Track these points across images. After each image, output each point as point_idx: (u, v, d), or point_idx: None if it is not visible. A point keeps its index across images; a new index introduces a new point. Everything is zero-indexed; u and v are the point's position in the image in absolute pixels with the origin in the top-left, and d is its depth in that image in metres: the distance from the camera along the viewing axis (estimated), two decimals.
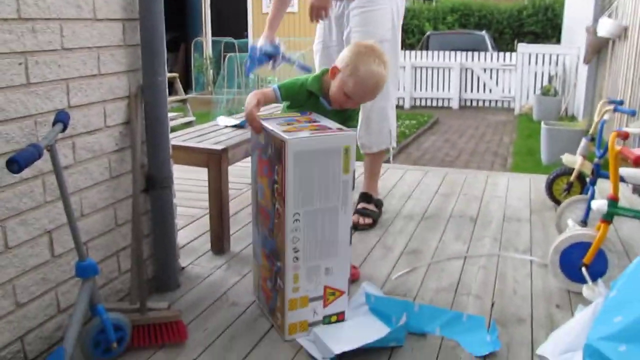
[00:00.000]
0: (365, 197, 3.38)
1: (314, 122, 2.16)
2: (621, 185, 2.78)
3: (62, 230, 2.01)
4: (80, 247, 1.83)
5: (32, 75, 1.84)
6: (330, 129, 2.06)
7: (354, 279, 2.54)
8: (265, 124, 2.12)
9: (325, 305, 2.15)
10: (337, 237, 2.09)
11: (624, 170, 2.51)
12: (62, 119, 1.74)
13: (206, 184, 2.85)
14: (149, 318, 2.11)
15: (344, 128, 2.09)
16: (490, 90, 12.86)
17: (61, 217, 1.99)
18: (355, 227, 3.19)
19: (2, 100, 1.75)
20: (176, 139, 2.99)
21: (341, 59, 2.25)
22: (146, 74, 2.31)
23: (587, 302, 2.20)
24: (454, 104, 12.95)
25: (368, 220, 3.28)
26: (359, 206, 3.34)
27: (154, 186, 2.40)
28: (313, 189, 2.00)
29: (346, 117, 2.36)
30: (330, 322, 2.17)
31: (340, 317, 2.19)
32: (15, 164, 1.45)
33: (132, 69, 2.29)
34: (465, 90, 13.01)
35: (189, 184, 3.92)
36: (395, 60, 3.29)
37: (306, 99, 2.33)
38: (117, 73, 2.21)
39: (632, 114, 3.33)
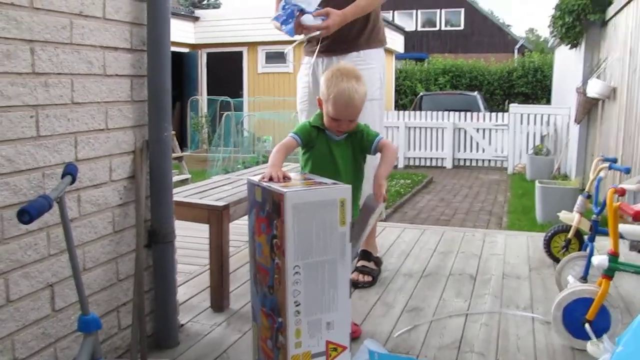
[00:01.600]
0: (365, 254, 3.38)
1: (309, 179, 2.22)
2: (619, 242, 2.80)
3: (64, 284, 2.00)
4: (84, 300, 1.81)
5: (42, 128, 1.87)
6: (325, 183, 2.11)
7: (354, 337, 2.52)
8: (261, 182, 2.15)
9: None
10: (337, 290, 2.08)
11: (623, 227, 2.53)
12: (71, 171, 1.76)
13: (204, 240, 2.86)
14: None
15: (339, 182, 2.14)
16: (484, 150, 13.01)
17: (64, 270, 1.98)
18: (355, 285, 3.17)
19: (12, 152, 1.77)
20: (177, 194, 3.00)
21: (320, 91, 2.38)
22: (152, 130, 2.34)
23: (591, 359, 2.18)
24: (448, 164, 13.07)
25: (368, 278, 3.26)
26: (359, 264, 3.33)
27: (157, 241, 2.40)
28: (312, 241, 2.01)
29: (358, 140, 2.43)
30: None
31: None
32: (27, 214, 1.45)
33: (139, 124, 2.32)
34: (459, 150, 13.16)
35: (186, 241, 3.90)
36: (382, 119, 3.38)
37: (316, 135, 2.41)
38: (124, 128, 2.24)
39: (627, 171, 3.38)
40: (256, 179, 2.21)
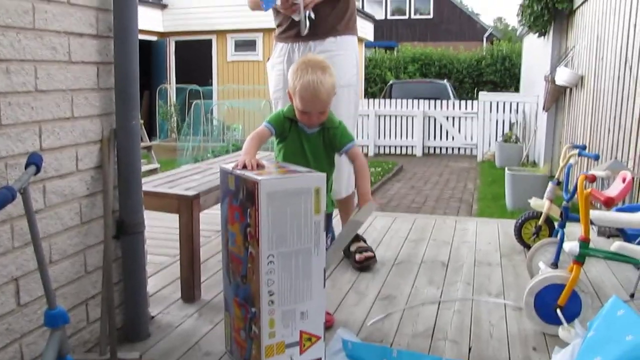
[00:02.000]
0: (355, 237, 3.37)
1: (282, 167, 2.20)
2: None
3: (29, 277, 1.94)
4: (51, 294, 1.75)
5: (5, 116, 1.81)
6: (299, 172, 2.09)
7: (328, 326, 2.50)
8: (234, 170, 2.12)
9: (302, 352, 2.10)
10: (311, 279, 2.07)
11: (592, 213, 2.55)
12: (35, 161, 1.70)
13: (174, 230, 2.81)
14: None
15: (313, 170, 2.12)
16: (453, 138, 13.10)
17: (29, 263, 1.93)
18: (361, 265, 3.26)
19: None
20: (147, 184, 2.95)
21: (288, 84, 2.36)
22: (119, 118, 2.28)
23: (563, 344, 2.20)
24: (418, 152, 13.14)
25: (369, 254, 3.31)
26: (353, 248, 3.35)
27: (126, 232, 2.35)
28: (286, 229, 1.99)
29: (330, 137, 2.40)
30: None
31: None
32: None
33: (106, 112, 2.26)
34: (429, 138, 13.23)
35: (155, 231, 3.84)
36: (357, 106, 3.36)
37: (289, 127, 2.39)
38: (90, 116, 2.18)
39: (596, 158, 3.41)
40: (229, 167, 2.18)
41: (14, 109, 1.84)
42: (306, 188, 2.00)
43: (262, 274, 1.97)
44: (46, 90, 1.96)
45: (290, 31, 3.19)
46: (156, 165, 9.68)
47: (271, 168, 2.16)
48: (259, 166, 2.14)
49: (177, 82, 14.73)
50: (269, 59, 3.43)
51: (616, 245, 2.40)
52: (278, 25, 3.31)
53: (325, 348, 2.22)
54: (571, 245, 2.44)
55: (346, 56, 3.19)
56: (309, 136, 2.40)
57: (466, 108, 12.95)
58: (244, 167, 2.10)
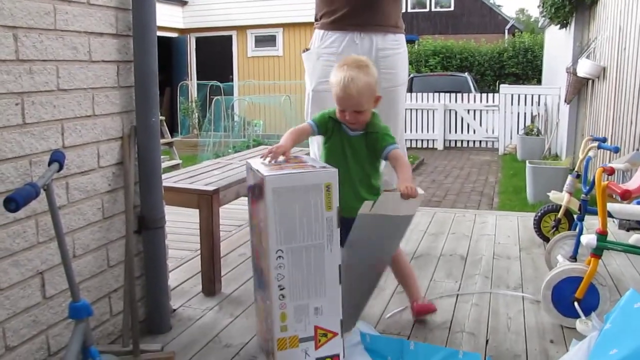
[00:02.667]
0: None
1: (302, 162, 2.19)
2: (608, 221, 2.82)
3: (54, 271, 2.00)
4: (75, 287, 1.81)
5: (28, 115, 1.86)
6: (313, 167, 2.08)
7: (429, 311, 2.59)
8: (253, 164, 2.14)
9: (317, 347, 2.10)
10: (324, 275, 2.06)
11: (611, 206, 2.55)
12: (58, 158, 1.75)
13: (195, 225, 2.85)
14: None
15: (327, 166, 2.10)
16: (474, 131, 13.01)
17: (53, 258, 1.98)
18: None
19: None
20: (167, 180, 3.00)
21: None
22: (139, 115, 2.33)
23: (581, 337, 2.20)
24: (439, 145, 13.08)
25: None
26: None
27: (147, 227, 2.40)
28: (295, 225, 1.99)
29: (372, 142, 2.35)
30: None
31: None
32: (13, 202, 1.44)
33: (126, 110, 2.31)
34: (450, 131, 13.16)
35: (177, 226, 3.91)
36: (404, 102, 3.32)
37: (332, 127, 2.39)
38: (111, 114, 2.23)
39: (616, 151, 3.39)
40: (253, 161, 2.20)
41: (37, 107, 1.89)
42: (316, 184, 1.99)
43: (272, 269, 2.00)
44: (68, 89, 2.01)
45: (352, 19, 3.04)
46: (178, 161, 9.77)
47: (289, 163, 2.17)
48: (285, 158, 2.18)
49: (198, 79, 14.83)
50: (306, 49, 3.24)
51: (634, 238, 2.40)
52: (330, 12, 3.09)
53: (344, 340, 2.24)
54: (588, 239, 2.44)
55: (405, 54, 3.20)
56: (351, 139, 2.37)
57: (487, 101, 12.85)
58: (270, 153, 2.16)
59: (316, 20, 3.23)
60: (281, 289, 2.02)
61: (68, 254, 1.76)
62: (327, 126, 2.39)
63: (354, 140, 2.36)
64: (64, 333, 2.04)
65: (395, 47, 3.12)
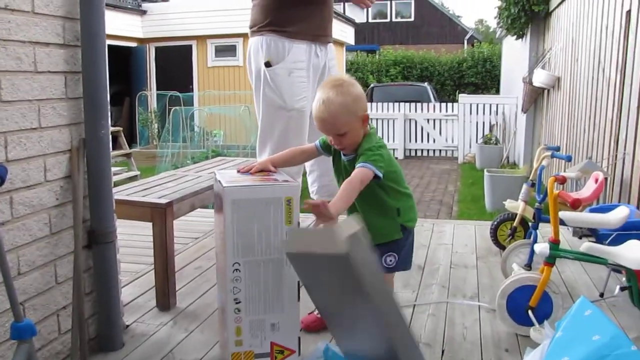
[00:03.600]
0: None
1: (270, 175, 2.15)
2: (562, 228, 2.86)
3: None
4: (17, 307, 1.74)
5: None
6: (276, 180, 2.06)
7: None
8: (218, 175, 2.11)
9: None
10: (283, 291, 2.03)
11: (563, 214, 2.58)
12: None
13: (150, 238, 2.79)
14: None
15: (291, 180, 2.07)
16: (434, 140, 13.16)
17: None
18: None
19: None
20: (120, 193, 2.94)
21: None
22: (89, 127, 2.27)
23: (535, 345, 2.22)
24: (399, 154, 13.18)
25: None
26: None
27: (97, 241, 2.34)
28: (254, 239, 1.97)
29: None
30: None
31: None
32: None
33: (74, 122, 2.25)
34: (410, 141, 13.27)
35: (132, 239, 3.83)
36: None
37: (334, 150, 2.30)
38: (58, 126, 2.17)
39: (568, 159, 3.45)
40: (219, 172, 2.19)
41: None
42: (276, 198, 1.97)
43: (227, 282, 1.97)
44: (11, 100, 1.95)
45: (314, 29, 2.99)
46: (136, 172, 9.64)
47: (259, 175, 2.14)
48: (262, 172, 2.17)
49: (157, 89, 14.66)
50: (267, 63, 3.06)
51: (585, 245, 2.43)
52: (287, 20, 2.97)
53: (305, 358, 2.20)
54: (541, 247, 2.47)
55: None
56: (346, 163, 2.26)
57: (447, 110, 13.02)
58: (249, 170, 2.17)
59: (262, 25, 3.05)
60: (237, 303, 1.99)
61: (9, 273, 1.70)
62: (330, 149, 2.32)
63: (348, 165, 2.25)
64: (7, 354, 1.96)
65: (334, 57, 3.15)
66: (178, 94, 12.80)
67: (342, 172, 2.29)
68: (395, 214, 2.27)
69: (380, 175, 2.12)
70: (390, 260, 2.31)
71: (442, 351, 2.41)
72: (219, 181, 2.02)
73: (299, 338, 2.12)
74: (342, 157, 2.27)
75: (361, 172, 2.08)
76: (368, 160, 2.10)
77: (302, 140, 3.11)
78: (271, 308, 2.04)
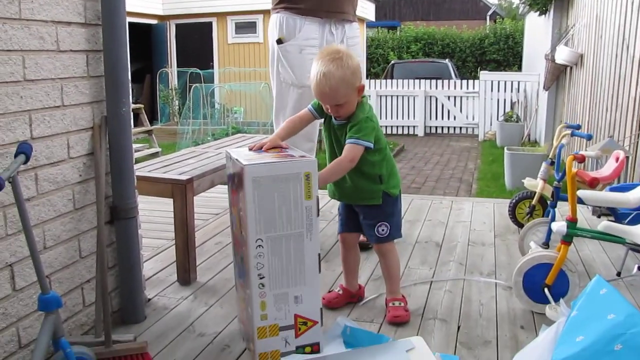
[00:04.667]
0: None
1: (282, 151, 2.19)
2: (580, 207, 2.86)
3: (24, 263, 1.98)
4: (43, 279, 1.80)
5: None
6: (293, 156, 2.09)
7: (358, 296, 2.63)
8: (233, 153, 2.14)
9: (297, 335, 2.12)
10: (304, 264, 2.08)
11: (581, 192, 2.58)
12: (24, 150, 1.73)
13: (171, 214, 2.84)
14: (114, 351, 2.08)
15: (307, 155, 2.11)
16: (455, 117, 13.08)
17: (23, 250, 1.97)
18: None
19: None
20: (141, 169, 2.98)
21: None
22: (110, 105, 2.31)
23: (550, 322, 2.24)
24: (419, 131, 13.13)
25: None
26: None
27: (119, 217, 2.39)
28: (275, 214, 2.00)
29: (347, 130, 2.29)
30: (304, 353, 2.14)
31: (315, 349, 2.16)
32: None
33: (96, 100, 2.29)
34: (430, 118, 13.22)
35: (154, 215, 3.89)
36: None
37: (326, 114, 2.39)
38: (80, 104, 2.21)
39: (589, 138, 3.42)
40: (233, 150, 2.21)
41: (3, 98, 1.87)
42: (295, 174, 2.00)
43: (251, 258, 2.01)
44: (35, 79, 1.99)
45: (329, 6, 3.00)
46: (157, 149, 9.73)
47: (273, 152, 2.17)
48: (275, 149, 2.19)
49: (178, 66, 14.71)
50: (279, 40, 3.12)
51: (603, 224, 2.43)
52: None
53: (326, 332, 2.24)
54: (559, 226, 2.48)
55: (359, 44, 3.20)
56: (335, 127, 2.37)
57: (467, 87, 12.91)
58: (261, 147, 2.20)
59: (277, 3, 3.11)
60: (261, 278, 2.03)
61: (35, 246, 1.75)
62: (323, 111, 2.39)
63: (337, 128, 2.37)
64: (35, 325, 2.03)
65: (358, 36, 3.15)
66: (198, 71, 12.83)
67: (329, 134, 2.41)
68: (378, 180, 2.40)
69: (372, 145, 2.28)
70: (383, 230, 2.45)
71: (458, 327, 2.44)
72: (236, 160, 2.04)
73: (321, 309, 2.16)
74: (333, 120, 2.37)
75: (352, 150, 2.25)
76: (360, 136, 2.25)
77: None
78: (294, 281, 2.08)
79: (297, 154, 2.14)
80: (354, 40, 3.15)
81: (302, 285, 2.10)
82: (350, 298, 2.65)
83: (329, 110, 2.30)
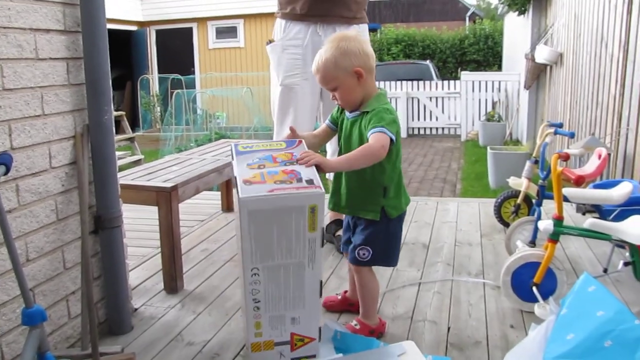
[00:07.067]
0: (337, 223, 3.32)
1: (289, 164, 1.96)
2: (565, 205, 2.87)
3: (7, 277, 1.95)
4: (27, 293, 1.76)
5: None
6: (300, 181, 1.87)
7: (380, 332, 2.38)
8: (236, 162, 1.98)
9: (293, 350, 2.07)
10: (304, 290, 1.97)
11: (566, 190, 2.59)
12: (4, 161, 1.70)
13: (156, 222, 2.81)
14: None
15: (317, 186, 1.86)
16: (437, 118, 13.12)
17: (5, 263, 1.93)
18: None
19: None
20: (124, 177, 2.95)
21: None
22: (92, 113, 2.28)
23: (539, 321, 2.23)
24: (402, 133, 13.13)
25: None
26: (339, 232, 3.19)
27: (103, 227, 2.35)
28: (272, 246, 1.87)
29: (365, 125, 2.15)
30: None
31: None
32: None
33: (78, 108, 2.25)
34: (412, 119, 13.24)
35: (139, 223, 3.85)
36: None
37: (340, 113, 2.32)
38: (62, 113, 2.18)
39: (572, 136, 3.44)
40: (237, 160, 2.00)
41: None
42: (298, 207, 1.82)
43: (246, 284, 1.93)
44: (14, 88, 1.95)
45: (313, 10, 3.04)
46: (140, 156, 9.66)
47: (276, 165, 1.96)
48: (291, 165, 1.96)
49: (159, 72, 14.64)
50: (270, 41, 3.21)
51: (589, 222, 2.44)
52: (292, 2, 3.07)
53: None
54: (545, 224, 2.48)
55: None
56: (349, 121, 2.24)
57: (449, 88, 12.97)
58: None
59: (278, 9, 3.21)
60: (256, 302, 1.95)
61: (18, 259, 1.72)
62: (338, 117, 2.32)
63: (352, 124, 2.22)
64: (19, 340, 1.99)
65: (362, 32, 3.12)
66: (180, 76, 12.76)
67: (343, 134, 2.27)
68: (381, 192, 2.21)
69: (394, 139, 2.10)
70: (364, 254, 2.24)
71: (448, 329, 2.43)
72: (234, 178, 1.90)
73: (320, 328, 2.08)
74: (346, 115, 2.27)
75: (380, 138, 2.04)
76: (384, 125, 2.07)
77: (295, 118, 3.16)
78: (292, 305, 1.99)
79: (306, 175, 1.90)
80: None
81: (301, 308, 2.00)
82: (348, 306, 2.57)
83: (332, 98, 2.22)
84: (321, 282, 2.00)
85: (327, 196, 2.25)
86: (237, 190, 1.83)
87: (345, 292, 2.62)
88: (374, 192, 2.20)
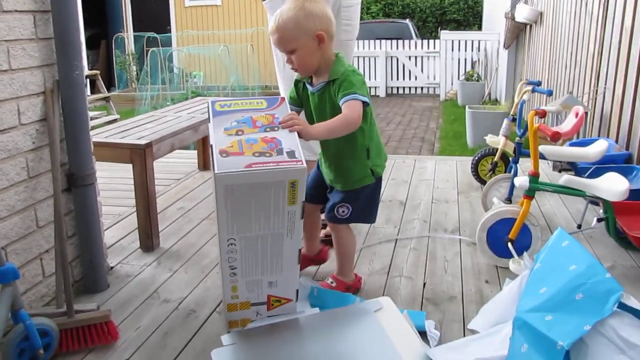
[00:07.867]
0: None
1: (269, 130, 1.85)
2: (541, 163, 2.89)
3: None
4: None
5: None
6: (280, 152, 1.76)
7: (356, 288, 2.40)
8: (212, 125, 1.87)
9: (269, 309, 2.06)
10: (282, 257, 1.93)
11: (543, 148, 2.60)
12: None
13: (131, 181, 2.78)
14: (76, 320, 2.03)
15: (298, 160, 1.75)
16: (416, 78, 13.06)
17: None
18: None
19: None
20: (98, 135, 2.91)
21: None
22: (62, 68, 2.22)
23: (514, 276, 2.27)
24: (381, 92, 13.09)
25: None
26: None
27: (76, 184, 2.32)
28: (250, 218, 1.80)
29: (332, 94, 2.08)
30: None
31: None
32: None
33: (47, 63, 2.19)
34: (391, 78, 13.17)
35: (114, 182, 3.81)
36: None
37: (302, 89, 2.21)
38: (30, 68, 2.11)
39: (549, 94, 3.44)
40: (214, 122, 1.87)
41: None
42: (277, 182, 1.73)
43: (223, 253, 1.88)
44: None
45: None
46: (116, 116, 9.51)
47: (255, 131, 1.84)
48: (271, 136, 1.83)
49: (134, 30, 14.32)
50: None
51: (564, 178, 2.46)
52: None
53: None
54: (521, 180, 2.50)
55: (358, 5, 3.06)
56: (314, 95, 2.14)
57: (428, 47, 12.88)
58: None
59: None
60: (232, 269, 1.92)
61: None
62: (298, 93, 2.21)
63: (316, 96, 2.14)
64: None
65: (356, 2, 3.02)
66: (156, 35, 12.50)
67: (309, 109, 2.19)
68: (365, 155, 2.18)
69: (369, 101, 2.04)
70: (343, 212, 2.22)
71: (424, 284, 2.46)
72: (210, 146, 1.80)
73: (297, 290, 2.06)
74: (310, 90, 2.16)
75: (354, 107, 1.98)
76: (356, 90, 2.01)
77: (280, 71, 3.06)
78: (269, 271, 1.96)
79: (289, 154, 1.77)
80: (349, 2, 2.99)
81: (279, 273, 1.96)
82: (309, 262, 2.54)
83: (287, 62, 2.09)
84: (300, 250, 1.95)
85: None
86: (213, 161, 1.75)
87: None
88: (361, 155, 2.17)
